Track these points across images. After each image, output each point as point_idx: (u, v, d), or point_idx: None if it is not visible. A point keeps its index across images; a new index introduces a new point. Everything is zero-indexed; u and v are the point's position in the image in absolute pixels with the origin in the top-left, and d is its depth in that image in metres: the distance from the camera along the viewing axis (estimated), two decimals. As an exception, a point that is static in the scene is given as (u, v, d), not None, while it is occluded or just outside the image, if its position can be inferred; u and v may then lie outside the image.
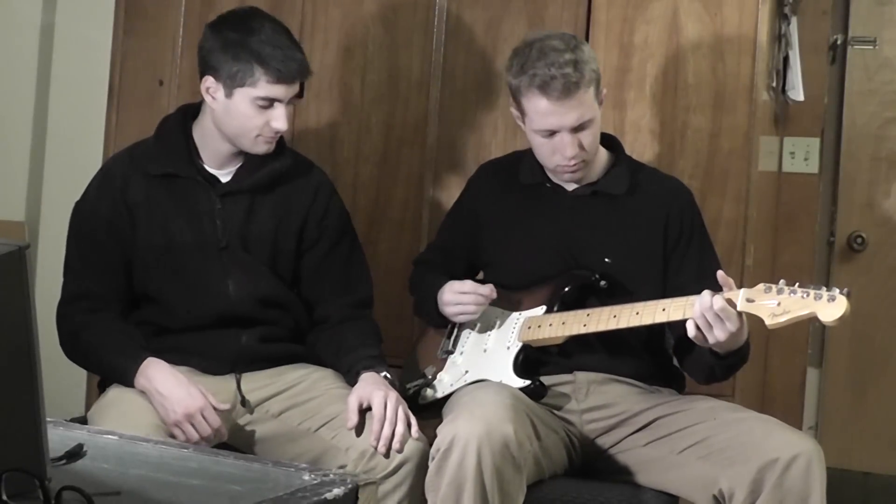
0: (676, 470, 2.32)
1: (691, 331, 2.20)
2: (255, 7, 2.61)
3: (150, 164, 2.50)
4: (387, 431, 2.26)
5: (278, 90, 2.39)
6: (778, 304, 2.13)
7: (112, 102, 3.38)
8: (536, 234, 2.51)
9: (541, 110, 2.36)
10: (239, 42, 2.39)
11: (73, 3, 3.43)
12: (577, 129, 2.37)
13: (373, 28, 3.20)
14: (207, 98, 2.45)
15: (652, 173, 2.60)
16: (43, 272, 3.14)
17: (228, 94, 2.41)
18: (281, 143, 2.58)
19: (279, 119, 2.41)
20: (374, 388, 2.33)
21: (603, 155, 2.53)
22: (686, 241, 2.48)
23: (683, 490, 2.34)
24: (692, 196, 2.57)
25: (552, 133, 2.38)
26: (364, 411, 2.32)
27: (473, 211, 2.62)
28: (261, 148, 2.46)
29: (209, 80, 2.43)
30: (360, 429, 2.30)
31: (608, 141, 2.56)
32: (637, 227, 2.48)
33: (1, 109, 3.32)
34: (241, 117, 2.42)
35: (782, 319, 2.13)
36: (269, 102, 2.40)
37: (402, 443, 2.26)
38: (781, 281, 2.16)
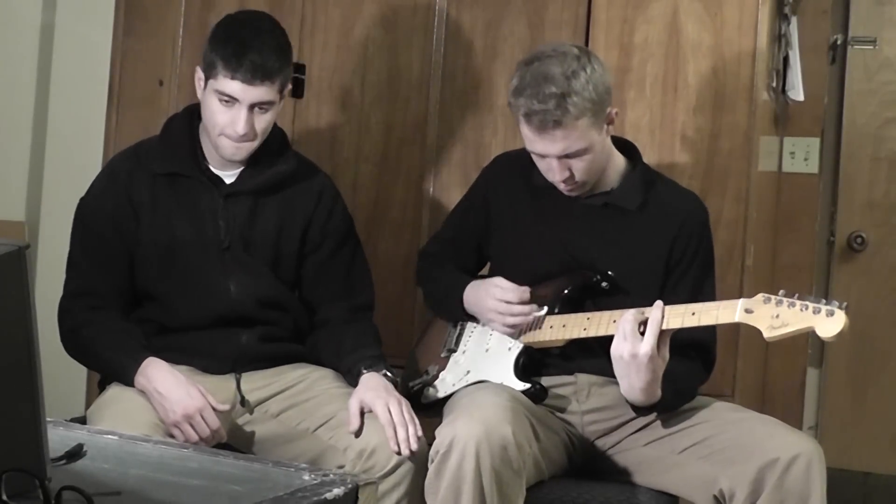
0: (677, 470, 2.32)
1: (615, 344, 2.23)
2: (265, 13, 2.58)
3: (155, 163, 2.51)
4: (402, 434, 2.26)
5: (234, 87, 2.36)
6: (776, 317, 2.13)
7: (112, 102, 3.39)
8: (543, 239, 2.49)
9: (528, 137, 2.35)
10: (226, 33, 2.41)
11: (73, 3, 3.43)
12: (565, 157, 2.34)
13: (373, 28, 3.20)
14: (197, 91, 2.46)
15: (668, 186, 2.55)
16: (43, 272, 3.15)
17: (205, 85, 2.43)
18: (286, 146, 2.58)
19: (238, 122, 2.38)
20: (374, 394, 2.32)
21: (619, 162, 2.49)
22: (688, 262, 2.45)
23: (684, 490, 2.34)
24: (706, 217, 2.51)
25: (542, 156, 2.38)
26: (364, 414, 2.32)
27: (485, 201, 2.60)
28: (227, 150, 2.44)
29: (198, 70, 2.45)
30: (360, 432, 2.30)
31: (625, 146, 2.53)
32: (645, 244, 2.44)
33: (1, 109, 3.32)
34: (208, 111, 2.42)
35: (780, 332, 2.12)
36: (230, 100, 2.38)
37: (416, 440, 2.27)
38: (781, 291, 2.15)
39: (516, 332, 2.44)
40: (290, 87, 2.50)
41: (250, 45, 2.36)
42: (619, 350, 2.23)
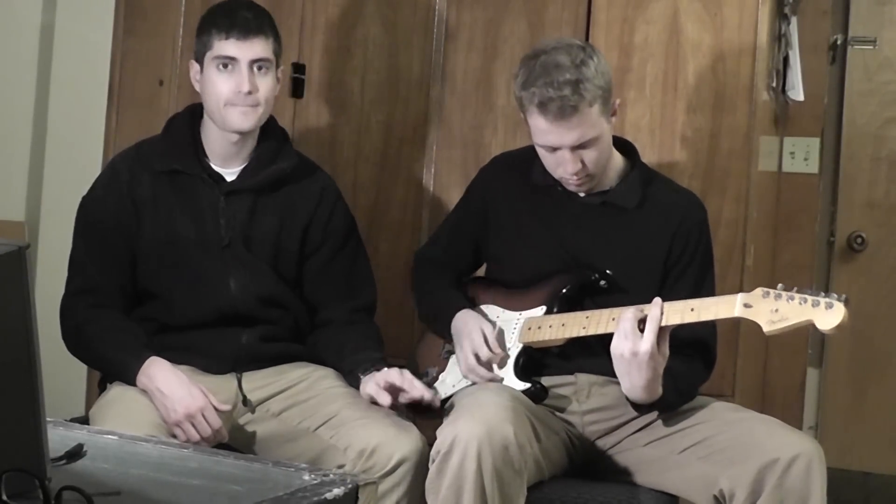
0: (677, 470, 2.32)
1: (615, 343, 2.24)
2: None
3: (157, 161, 2.52)
4: (416, 393, 2.34)
5: (230, 47, 2.42)
6: (776, 311, 2.12)
7: (112, 102, 3.38)
8: (542, 237, 2.49)
9: (541, 128, 2.34)
10: (207, 15, 2.51)
11: (73, 3, 3.43)
12: (578, 147, 2.34)
13: (373, 28, 3.20)
14: (195, 86, 2.51)
15: (666, 185, 2.55)
16: (43, 272, 3.14)
17: (202, 69, 2.48)
18: (287, 144, 2.59)
19: (241, 82, 2.42)
20: (384, 371, 2.37)
21: (618, 161, 2.50)
22: (687, 260, 2.45)
23: (684, 490, 2.34)
24: (705, 215, 2.51)
25: (554, 149, 2.37)
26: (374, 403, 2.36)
27: (483, 203, 2.61)
28: (235, 119, 2.45)
29: (193, 65, 2.51)
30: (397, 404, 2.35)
31: (624, 146, 2.53)
32: (643, 242, 2.45)
33: (1, 109, 3.32)
34: (211, 86, 2.46)
35: (780, 326, 2.12)
36: (228, 62, 2.43)
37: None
38: (780, 286, 2.15)
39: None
40: (283, 68, 2.56)
41: (238, 7, 2.46)
42: (619, 348, 2.23)
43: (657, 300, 2.23)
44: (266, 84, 2.46)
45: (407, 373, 2.36)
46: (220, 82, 2.44)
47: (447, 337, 2.53)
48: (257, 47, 2.43)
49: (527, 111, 2.36)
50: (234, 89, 2.42)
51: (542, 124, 2.33)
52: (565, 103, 2.29)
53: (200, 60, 2.48)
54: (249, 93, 2.42)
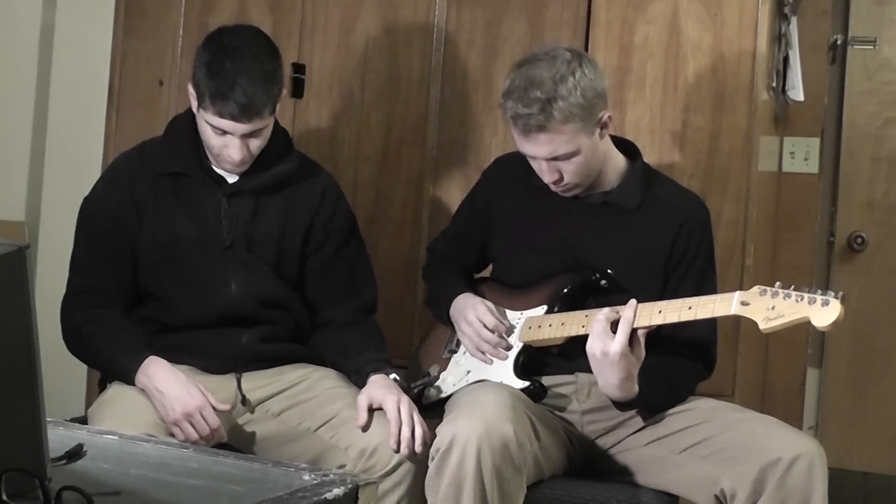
0: (677, 470, 2.32)
1: (590, 342, 2.24)
2: (253, 29, 2.52)
3: (158, 163, 2.51)
4: (406, 433, 2.26)
5: (223, 123, 2.36)
6: (772, 308, 2.13)
7: (112, 102, 3.39)
8: (544, 238, 2.50)
9: (516, 138, 2.38)
10: (210, 64, 2.37)
11: (73, 3, 3.43)
12: (553, 159, 2.36)
13: (373, 28, 3.20)
14: (192, 104, 2.45)
15: (668, 186, 2.55)
16: (43, 272, 3.14)
17: (197, 109, 2.43)
18: (289, 145, 2.59)
19: (232, 150, 2.39)
20: (385, 391, 2.33)
21: (619, 162, 2.50)
22: (688, 263, 2.45)
23: (684, 490, 2.34)
24: (707, 217, 2.51)
25: (531, 157, 2.39)
26: (372, 411, 2.32)
27: (487, 203, 2.62)
28: (225, 166, 2.46)
29: (190, 88, 2.43)
30: (367, 427, 2.30)
31: (626, 146, 2.54)
32: (644, 242, 2.45)
33: (1, 109, 3.32)
34: (203, 132, 2.44)
35: (776, 323, 2.12)
36: (221, 131, 2.38)
37: (422, 443, 2.27)
38: (777, 284, 2.15)
39: (485, 358, 2.46)
40: (284, 93, 2.46)
41: (236, 82, 2.33)
42: (591, 348, 2.25)
43: (632, 302, 2.24)
44: (259, 140, 2.42)
45: (403, 409, 2.29)
46: (213, 137, 2.40)
47: (445, 319, 2.54)
48: (251, 125, 2.37)
49: (506, 120, 2.38)
50: (224, 148, 2.40)
51: (516, 135, 2.37)
52: (531, 122, 2.30)
53: (197, 101, 2.39)
54: (241, 159, 2.40)
